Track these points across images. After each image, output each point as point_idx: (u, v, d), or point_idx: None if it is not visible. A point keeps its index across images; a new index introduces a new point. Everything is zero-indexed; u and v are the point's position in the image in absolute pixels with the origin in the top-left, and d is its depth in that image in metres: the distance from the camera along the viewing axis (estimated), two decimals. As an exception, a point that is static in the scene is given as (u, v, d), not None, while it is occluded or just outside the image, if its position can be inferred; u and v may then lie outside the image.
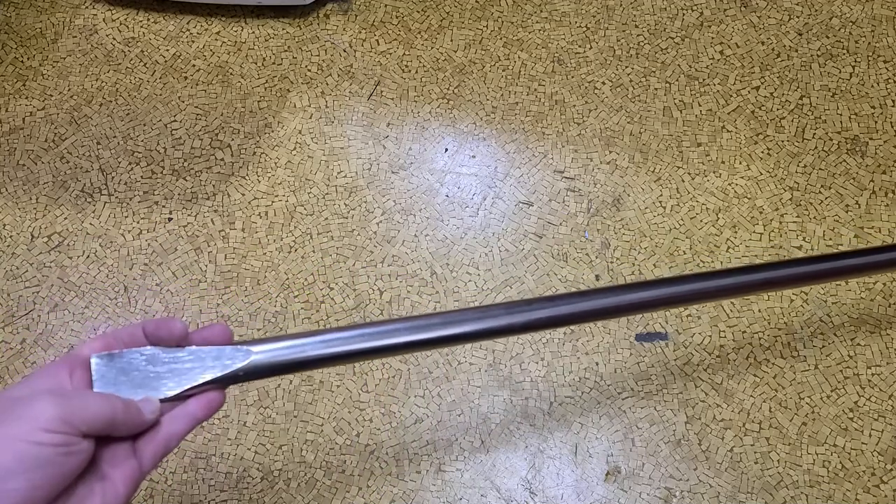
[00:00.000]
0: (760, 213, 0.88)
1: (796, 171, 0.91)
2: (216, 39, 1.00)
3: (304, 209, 0.89)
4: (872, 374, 0.79)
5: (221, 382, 0.43)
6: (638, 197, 0.89)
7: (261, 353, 0.44)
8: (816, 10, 1.01)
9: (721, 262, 0.85)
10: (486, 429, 0.78)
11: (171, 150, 0.93)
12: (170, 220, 0.89)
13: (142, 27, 1.01)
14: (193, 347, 0.43)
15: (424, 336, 0.48)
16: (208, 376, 0.43)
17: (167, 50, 1.00)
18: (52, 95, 0.96)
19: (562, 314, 0.51)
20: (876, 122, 0.93)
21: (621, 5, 1.02)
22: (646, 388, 0.79)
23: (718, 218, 0.88)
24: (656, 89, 0.96)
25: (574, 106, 0.95)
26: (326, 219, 0.88)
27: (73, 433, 0.35)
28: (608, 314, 0.54)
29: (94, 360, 0.41)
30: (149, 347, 0.42)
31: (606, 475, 0.75)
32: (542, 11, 1.02)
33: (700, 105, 0.95)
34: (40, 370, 0.39)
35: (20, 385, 0.38)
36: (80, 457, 0.36)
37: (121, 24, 1.02)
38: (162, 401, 0.42)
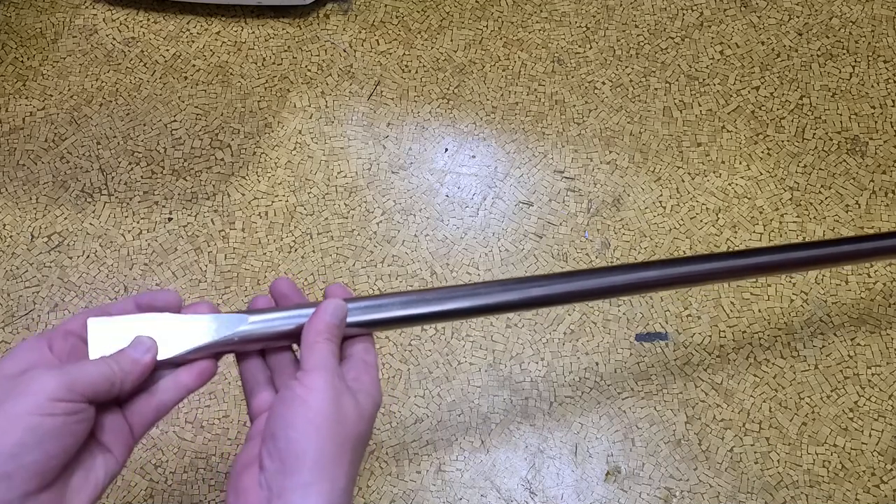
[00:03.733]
0: (760, 213, 0.88)
1: (796, 171, 0.91)
2: (216, 39, 1.00)
3: (304, 209, 0.89)
4: (872, 374, 0.79)
5: (215, 349, 0.43)
6: (638, 197, 0.89)
7: (256, 321, 0.44)
8: (816, 10, 1.01)
9: (721, 262, 0.85)
10: (486, 429, 0.78)
11: (171, 150, 0.93)
12: (170, 220, 0.89)
13: (142, 27, 1.01)
14: (190, 315, 0.43)
15: (428, 309, 0.48)
16: (203, 341, 0.43)
17: (167, 50, 1.00)
18: (52, 95, 0.97)
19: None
20: (876, 122, 0.93)
21: (621, 5, 1.02)
22: (646, 388, 0.79)
23: (718, 218, 0.88)
24: (656, 89, 0.96)
25: (574, 106, 0.95)
26: (326, 219, 0.88)
27: (79, 400, 0.36)
28: (637, 289, 0.55)
29: (90, 324, 0.41)
30: (146, 314, 0.42)
31: (606, 475, 0.75)
32: (542, 11, 1.02)
33: (700, 105, 0.95)
34: (18, 348, 0.39)
35: (6, 361, 0.38)
36: (87, 423, 0.37)
37: (121, 24, 1.02)
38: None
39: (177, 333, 0.42)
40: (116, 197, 0.90)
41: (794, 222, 0.87)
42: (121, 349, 0.41)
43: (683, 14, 1.01)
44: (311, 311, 0.45)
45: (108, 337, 0.41)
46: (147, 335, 0.42)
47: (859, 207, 0.88)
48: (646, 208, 0.89)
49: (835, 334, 0.81)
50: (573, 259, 0.86)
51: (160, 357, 0.42)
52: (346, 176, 0.91)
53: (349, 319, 0.45)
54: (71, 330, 0.41)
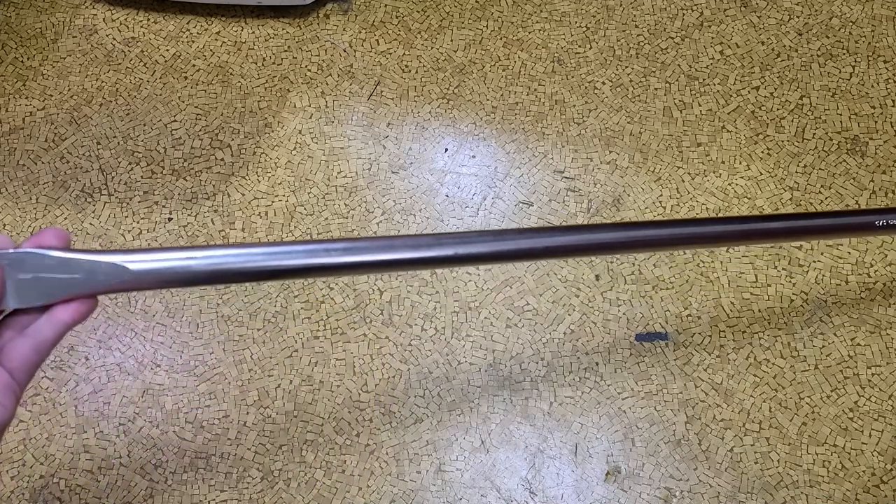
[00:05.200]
0: (760, 213, 0.88)
1: (796, 171, 0.91)
2: (216, 39, 1.00)
3: (304, 209, 0.89)
4: (872, 374, 0.79)
5: (94, 294, 0.41)
6: (638, 197, 0.89)
7: (139, 267, 0.41)
8: (816, 10, 1.01)
9: (721, 262, 0.85)
10: (486, 429, 0.78)
11: (171, 150, 0.93)
12: (170, 220, 0.89)
13: (142, 27, 1.01)
14: (65, 255, 0.40)
15: (322, 261, 0.45)
16: (80, 289, 0.40)
17: (167, 50, 1.00)
18: (52, 95, 0.96)
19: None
20: (876, 122, 0.93)
21: (621, 5, 1.02)
22: (646, 388, 0.79)
23: (718, 218, 0.88)
24: (656, 89, 0.96)
25: (574, 106, 0.95)
26: (326, 219, 0.88)
27: None
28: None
29: None
30: (12, 251, 0.39)
31: (606, 475, 0.75)
32: (542, 11, 1.02)
33: (700, 105, 0.95)
34: None
35: None
36: None
37: (121, 24, 1.02)
38: (25, 310, 0.40)
39: (46, 279, 0.40)
40: (116, 197, 0.90)
41: (794, 222, 0.87)
42: None
43: (683, 14, 1.01)
44: (202, 253, 0.42)
45: None
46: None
47: (859, 207, 0.88)
48: (646, 208, 0.88)
49: (835, 334, 0.81)
50: (573, 259, 0.86)
51: (28, 304, 0.39)
52: (346, 176, 0.91)
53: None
54: None
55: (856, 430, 0.77)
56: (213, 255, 0.43)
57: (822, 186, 0.89)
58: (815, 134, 0.93)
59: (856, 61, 0.97)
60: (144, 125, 0.94)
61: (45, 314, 0.40)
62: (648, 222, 0.59)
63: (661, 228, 0.57)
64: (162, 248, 0.43)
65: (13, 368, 0.39)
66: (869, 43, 0.99)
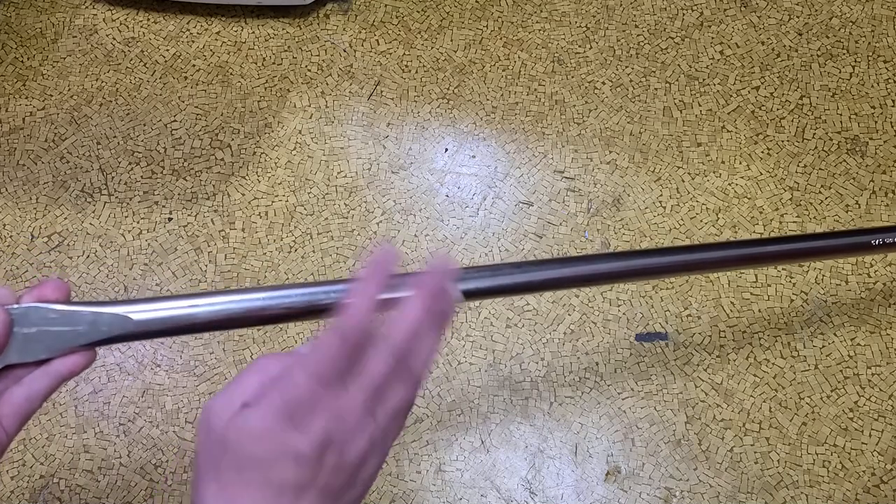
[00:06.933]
0: (760, 213, 0.88)
1: (796, 171, 0.91)
2: (216, 39, 1.00)
3: (304, 209, 0.89)
4: (872, 374, 0.79)
5: (96, 346, 0.41)
6: (638, 197, 0.89)
7: (141, 317, 0.42)
8: (816, 10, 1.01)
9: (721, 262, 0.85)
10: (486, 429, 0.78)
11: (171, 150, 0.93)
12: (170, 220, 0.89)
13: (142, 27, 1.01)
14: (69, 308, 0.40)
15: (323, 302, 0.45)
16: (82, 341, 0.40)
17: (167, 50, 1.00)
18: (52, 95, 0.96)
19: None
20: (876, 122, 0.93)
21: (621, 5, 1.02)
22: (646, 388, 0.79)
23: (718, 218, 0.88)
24: (656, 89, 0.96)
25: (574, 106, 0.95)
26: (326, 219, 0.88)
27: None
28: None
29: None
30: (17, 306, 0.40)
31: (606, 475, 0.75)
32: (542, 11, 1.02)
33: (700, 105, 0.95)
34: None
35: None
36: None
37: (121, 24, 1.02)
38: (29, 364, 0.40)
39: (49, 332, 0.40)
40: (116, 197, 0.90)
41: (794, 222, 0.87)
42: None
43: (683, 14, 1.01)
44: (200, 299, 0.43)
45: None
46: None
47: (859, 207, 0.88)
48: (646, 208, 0.89)
49: (835, 334, 0.81)
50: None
51: (29, 358, 0.40)
52: (346, 176, 0.91)
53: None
54: None
55: (856, 430, 0.77)
56: (215, 301, 0.44)
57: (822, 186, 0.89)
58: (815, 134, 0.93)
59: (856, 61, 0.97)
60: (144, 125, 0.94)
61: (41, 367, 0.40)
62: (643, 251, 0.60)
63: (655, 258, 0.57)
64: (164, 297, 0.44)
65: (3, 415, 0.39)
66: (869, 43, 0.99)
